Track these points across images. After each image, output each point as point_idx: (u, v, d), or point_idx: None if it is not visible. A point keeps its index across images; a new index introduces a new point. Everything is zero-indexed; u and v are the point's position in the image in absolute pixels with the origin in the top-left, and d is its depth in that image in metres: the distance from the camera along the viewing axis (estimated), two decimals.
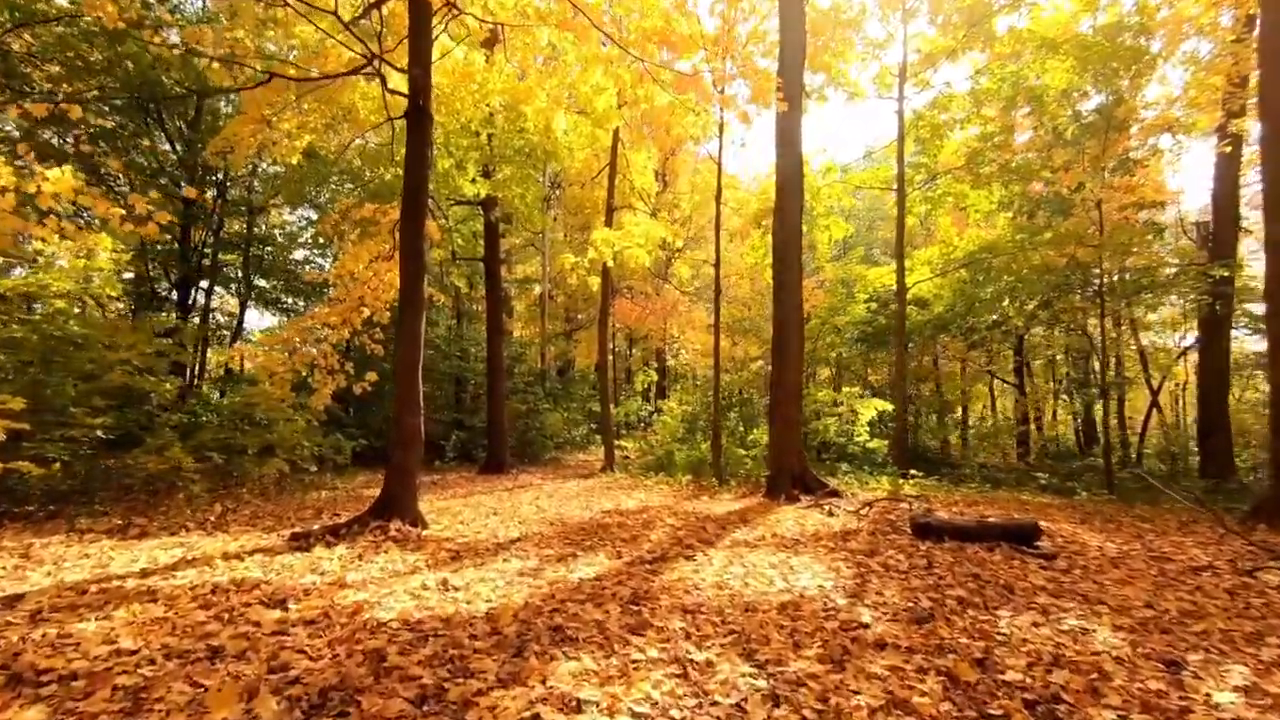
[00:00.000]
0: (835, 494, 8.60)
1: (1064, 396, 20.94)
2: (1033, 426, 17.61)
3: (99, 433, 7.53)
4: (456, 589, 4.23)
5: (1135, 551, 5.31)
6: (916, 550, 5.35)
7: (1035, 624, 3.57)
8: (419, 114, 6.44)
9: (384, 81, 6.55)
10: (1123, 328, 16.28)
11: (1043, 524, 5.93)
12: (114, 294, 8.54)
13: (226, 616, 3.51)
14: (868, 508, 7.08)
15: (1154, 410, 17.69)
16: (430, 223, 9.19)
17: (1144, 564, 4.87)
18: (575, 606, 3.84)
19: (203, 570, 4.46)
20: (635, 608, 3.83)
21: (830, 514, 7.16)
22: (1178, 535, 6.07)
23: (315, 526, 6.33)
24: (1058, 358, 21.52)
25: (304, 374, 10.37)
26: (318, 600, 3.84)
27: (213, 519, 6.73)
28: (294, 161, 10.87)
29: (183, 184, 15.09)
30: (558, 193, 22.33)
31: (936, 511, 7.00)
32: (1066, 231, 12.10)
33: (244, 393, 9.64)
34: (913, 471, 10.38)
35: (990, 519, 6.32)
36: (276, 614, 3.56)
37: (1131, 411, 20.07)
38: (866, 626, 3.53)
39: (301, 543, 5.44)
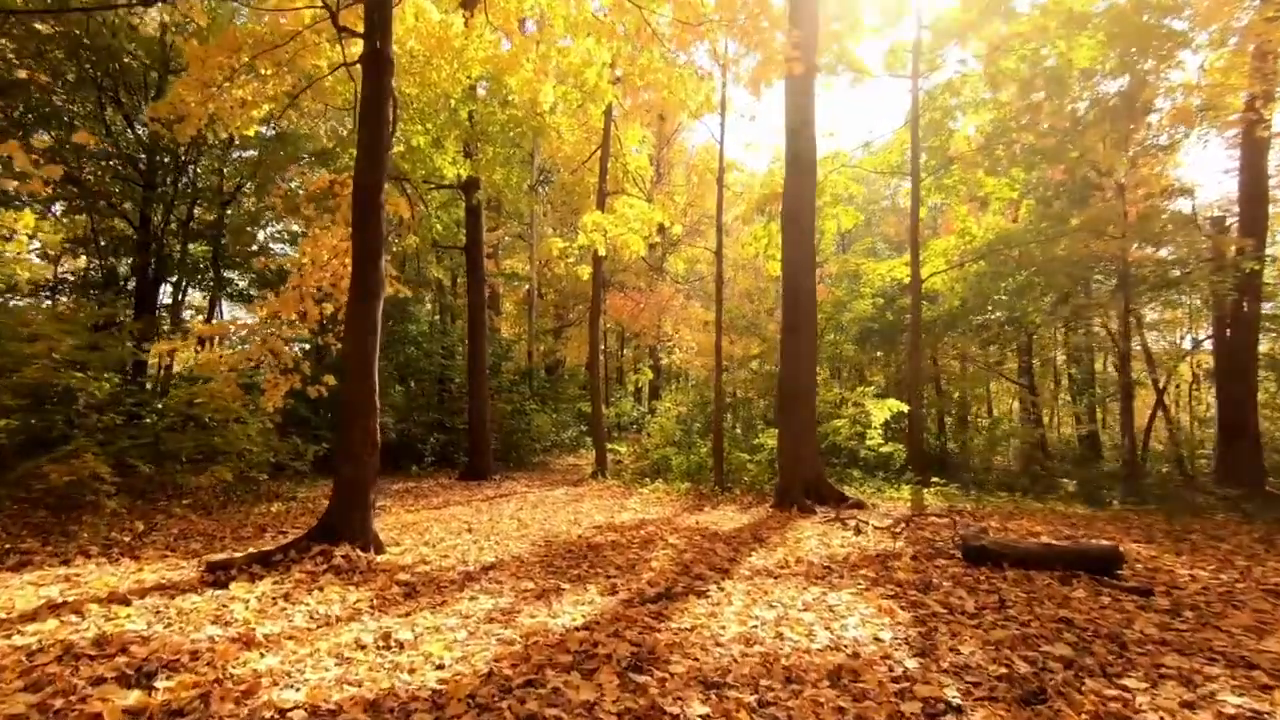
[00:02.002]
0: (859, 506, 7.65)
1: (1075, 397, 20.20)
2: (1056, 429, 16.81)
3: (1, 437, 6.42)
4: (401, 647, 3.21)
5: (1240, 584, 4.38)
6: (977, 582, 4.38)
7: (1186, 704, 2.61)
8: (376, 57, 5.41)
9: (334, 17, 5.50)
10: (1130, 325, 15.51)
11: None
12: (25, 274, 7.39)
13: (59, 704, 2.46)
14: (904, 525, 6.11)
15: (1159, 412, 16.93)
16: (398, 199, 8.14)
17: (1265, 602, 3.93)
18: (557, 676, 2.83)
19: (66, 620, 3.40)
20: (638, 677, 2.83)
21: (858, 531, 6.19)
22: (1272, 559, 5.16)
23: (250, 550, 5.27)
24: (1059, 358, 20.77)
25: (252, 372, 9.28)
26: (204, 670, 2.80)
27: (127, 540, 5.64)
28: (250, 133, 9.79)
29: (134, 158, 13.92)
30: (545, 189, 21.27)
31: (979, 529, 6.05)
32: (1095, 217, 11.26)
33: (187, 391, 8.51)
34: (935, 479, 9.46)
35: (1052, 540, 5.40)
36: (134, 698, 2.52)
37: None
38: (960, 712, 2.55)
39: (219, 575, 4.38)
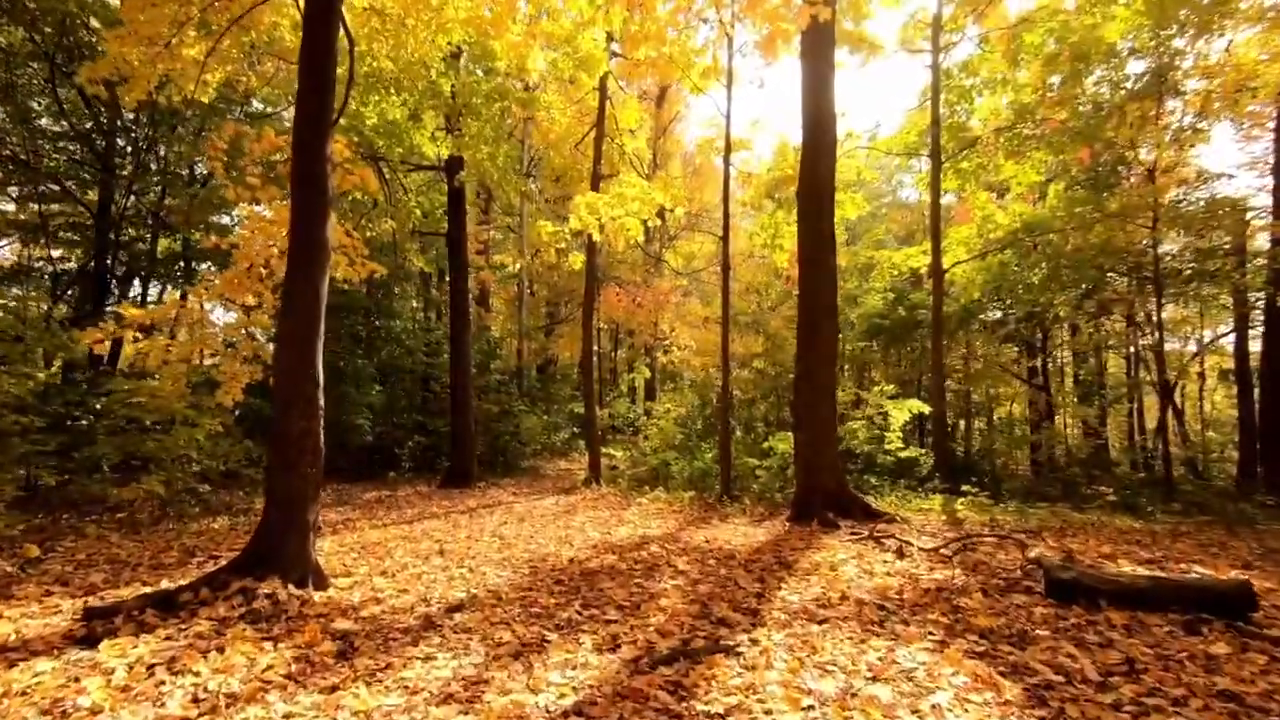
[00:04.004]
0: (891, 521, 6.69)
1: (1086, 399, 19.40)
2: (1064, 432, 15.97)
3: None
4: None
5: None
6: (1080, 631, 3.42)
7: None
8: None
9: None
10: (1140, 323, 14.71)
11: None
12: None
13: None
14: (957, 547, 5.14)
15: (1169, 414, 16.14)
16: (365, 170, 7.12)
17: None
18: None
19: None
20: None
21: (901, 554, 5.22)
22: None
23: (161, 585, 4.24)
24: (1068, 357, 19.95)
25: (209, 367, 8.21)
26: None
27: (8, 570, 4.58)
28: (205, 100, 8.75)
29: (101, 148, 12.89)
30: (537, 182, 20.24)
31: (1042, 553, 5.09)
32: (1129, 204, 10.41)
33: (123, 388, 7.43)
34: (965, 488, 8.52)
35: (1141, 568, 4.46)
36: None
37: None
38: None
39: (97, 626, 3.34)
